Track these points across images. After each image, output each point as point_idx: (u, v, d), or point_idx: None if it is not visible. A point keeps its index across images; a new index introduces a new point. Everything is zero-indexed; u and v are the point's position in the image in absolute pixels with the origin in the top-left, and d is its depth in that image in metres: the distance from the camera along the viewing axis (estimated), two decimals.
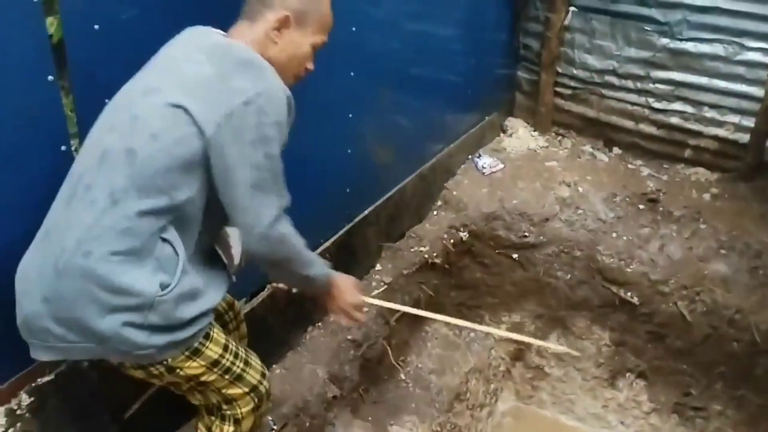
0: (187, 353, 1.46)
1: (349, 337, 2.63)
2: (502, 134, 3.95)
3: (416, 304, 3.10)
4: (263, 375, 1.67)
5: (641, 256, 3.08)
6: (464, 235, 3.34)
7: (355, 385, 2.59)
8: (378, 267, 2.97)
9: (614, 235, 3.16)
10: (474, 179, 3.51)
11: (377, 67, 2.61)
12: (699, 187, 3.29)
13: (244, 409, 1.64)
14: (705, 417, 3.30)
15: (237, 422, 1.65)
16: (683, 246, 3.03)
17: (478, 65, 3.50)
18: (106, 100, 1.45)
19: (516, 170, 3.55)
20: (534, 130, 3.94)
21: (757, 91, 3.16)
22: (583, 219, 3.24)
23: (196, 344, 1.47)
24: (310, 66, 1.58)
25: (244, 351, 1.65)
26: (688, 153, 3.50)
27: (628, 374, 3.39)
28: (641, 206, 3.18)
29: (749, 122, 3.22)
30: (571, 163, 3.57)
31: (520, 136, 3.90)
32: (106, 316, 1.31)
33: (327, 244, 2.60)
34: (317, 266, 1.63)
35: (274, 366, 2.38)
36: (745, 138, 3.26)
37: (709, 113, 3.34)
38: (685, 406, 3.30)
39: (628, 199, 3.22)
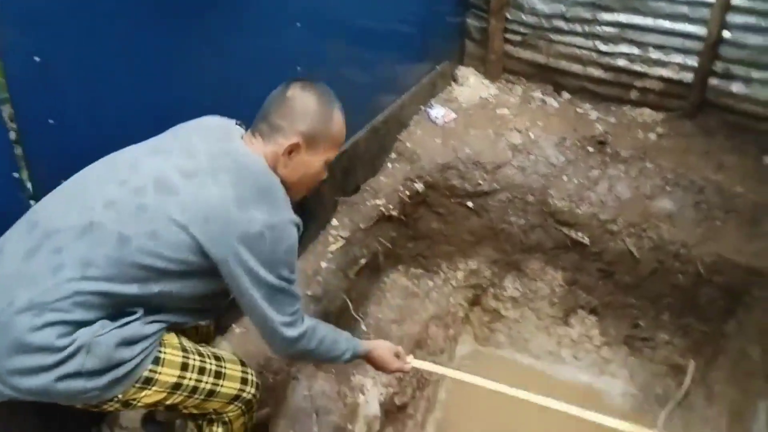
0: (137, 385, 1.35)
1: (308, 292, 2.63)
2: (453, 84, 3.93)
3: (374, 258, 3.14)
4: (245, 380, 1.55)
5: (591, 197, 3.17)
6: (419, 186, 3.36)
7: None
8: (334, 222, 2.95)
9: (565, 178, 3.22)
10: (427, 130, 3.50)
11: (324, 18, 2.53)
12: (645, 127, 3.37)
13: (231, 415, 1.57)
14: (653, 347, 3.48)
15: (226, 424, 1.59)
16: (630, 185, 3.13)
17: (427, 14, 3.44)
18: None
19: (468, 119, 3.56)
20: (485, 78, 3.93)
21: (701, 30, 3.22)
22: (535, 164, 3.29)
23: (144, 373, 1.35)
24: (323, 177, 1.61)
25: (213, 361, 1.50)
26: (634, 95, 3.56)
27: (580, 311, 3.53)
28: (590, 149, 3.24)
29: (693, 62, 3.29)
30: (522, 110, 3.59)
31: (472, 85, 3.89)
32: (39, 374, 1.24)
33: None
34: (344, 353, 1.66)
35: (234, 325, 2.37)
36: (689, 77, 3.34)
37: (655, 54, 3.40)
38: (634, 338, 3.48)
39: (577, 142, 3.28)
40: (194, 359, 1.45)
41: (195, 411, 1.54)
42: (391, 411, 2.86)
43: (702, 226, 2.97)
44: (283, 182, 1.45)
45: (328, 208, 2.98)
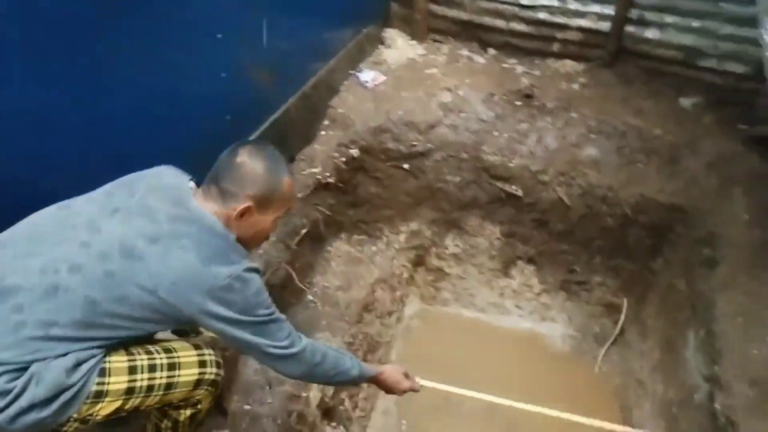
0: (88, 401, 1.38)
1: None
2: (381, 46, 3.90)
3: (315, 226, 3.12)
4: (203, 363, 1.54)
5: (521, 150, 3.25)
6: (355, 151, 3.34)
7: None
8: None
9: (495, 133, 3.29)
10: (358, 94, 3.48)
11: None
12: (568, 78, 3.48)
13: (199, 396, 1.56)
14: (588, 289, 3.66)
15: (195, 405, 1.58)
16: (557, 136, 3.23)
17: None
18: None
19: (398, 81, 3.55)
20: (412, 39, 3.93)
21: None
22: (466, 122, 3.34)
23: (93, 388, 1.37)
24: (274, 230, 1.68)
25: (164, 355, 1.50)
26: (556, 47, 3.66)
27: (518, 262, 3.65)
28: (518, 103, 3.32)
29: (609, 10, 3.40)
30: (451, 68, 3.61)
31: (399, 47, 3.88)
32: None
33: None
34: (352, 369, 1.75)
35: None
36: (606, 26, 3.45)
37: (573, 5, 3.48)
38: (571, 282, 3.64)
39: (505, 97, 3.34)
40: (141, 359, 1.45)
41: (160, 405, 1.53)
42: None
43: (625, 170, 3.12)
44: (237, 238, 1.52)
45: None
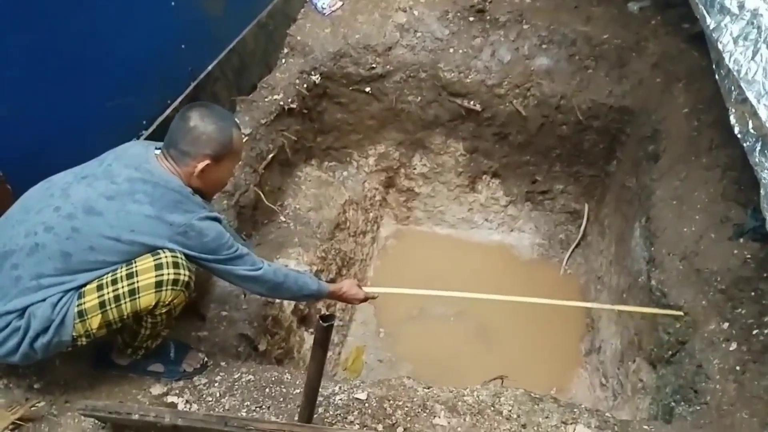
0: (77, 321, 1.63)
1: None
2: None
3: (282, 151, 3.24)
4: (158, 266, 1.64)
5: (477, 65, 3.35)
6: (316, 78, 3.43)
7: (235, 230, 2.75)
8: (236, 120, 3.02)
9: (451, 50, 3.37)
10: (316, 21, 3.53)
11: None
12: None
13: (168, 299, 1.69)
14: (551, 198, 3.83)
15: (167, 305, 1.71)
16: (511, 48, 3.31)
17: None
18: None
19: (354, 5, 3.59)
20: None
21: None
22: (423, 41, 3.41)
23: (75, 310, 1.62)
24: (231, 177, 1.99)
25: (124, 268, 1.64)
26: None
27: (484, 176, 3.81)
28: (471, 18, 3.38)
29: None
30: None
31: None
32: (18, 348, 1.63)
33: (175, 104, 2.60)
34: (312, 284, 2.01)
35: None
36: None
37: None
38: (535, 192, 3.82)
39: (459, 13, 3.40)
40: (106, 277, 1.65)
41: (139, 316, 1.71)
42: None
43: (576, 77, 3.23)
44: (200, 191, 1.77)
45: (227, 109, 3.02)
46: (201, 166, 1.72)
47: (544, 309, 2.73)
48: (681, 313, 2.19)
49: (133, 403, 1.76)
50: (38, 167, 1.81)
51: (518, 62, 3.30)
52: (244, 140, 2.91)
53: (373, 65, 3.44)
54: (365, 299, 2.33)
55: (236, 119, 3.01)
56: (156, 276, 1.64)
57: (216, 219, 1.77)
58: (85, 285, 1.63)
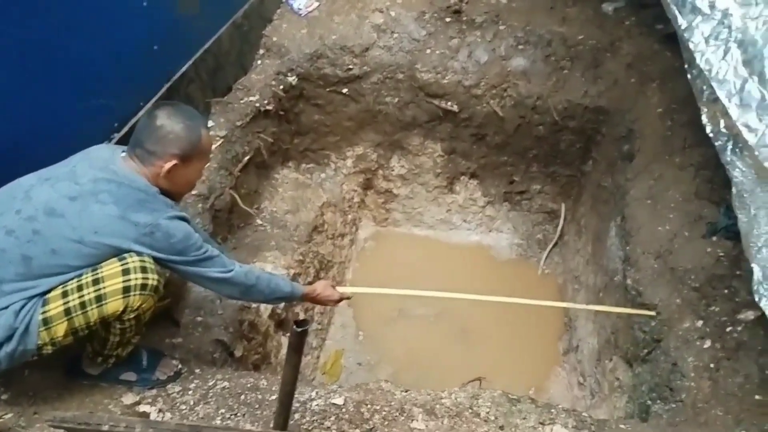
0: (42, 329, 1.58)
1: (194, 192, 2.69)
2: None
3: (258, 154, 3.21)
4: (125, 271, 1.60)
5: (454, 66, 3.35)
6: (293, 79, 3.40)
7: (210, 234, 2.70)
8: (210, 123, 2.98)
9: (428, 51, 3.37)
10: (292, 22, 3.51)
11: None
12: None
13: (137, 304, 1.64)
14: (529, 198, 3.85)
15: (136, 310, 1.67)
16: (487, 49, 3.32)
17: None
18: None
19: (331, 6, 3.57)
20: None
21: None
22: (399, 42, 3.40)
23: (39, 318, 1.57)
24: (200, 178, 1.90)
25: (90, 273, 1.60)
26: None
27: (462, 177, 3.81)
28: (448, 19, 3.38)
29: None
30: None
31: None
32: None
33: (147, 106, 2.55)
34: (285, 286, 1.98)
35: None
36: None
37: None
38: (512, 193, 3.83)
39: (435, 15, 3.39)
40: (71, 284, 1.60)
41: (108, 322, 1.67)
42: None
43: (552, 78, 3.24)
44: (167, 192, 1.72)
45: (202, 111, 2.99)
46: (168, 166, 1.68)
47: (522, 309, 2.73)
48: (653, 313, 2.20)
49: (103, 414, 1.72)
50: (7, 169, 1.76)
51: (495, 63, 3.31)
52: (218, 143, 2.89)
53: (350, 66, 3.42)
54: (340, 300, 2.29)
55: (210, 121, 3.02)
56: (123, 281, 1.60)
57: (184, 219, 1.72)
58: (49, 291, 1.58)
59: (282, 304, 2.87)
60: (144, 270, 1.63)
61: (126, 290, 1.61)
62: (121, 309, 1.62)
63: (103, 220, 1.59)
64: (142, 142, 1.69)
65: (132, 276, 1.61)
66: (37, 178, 1.67)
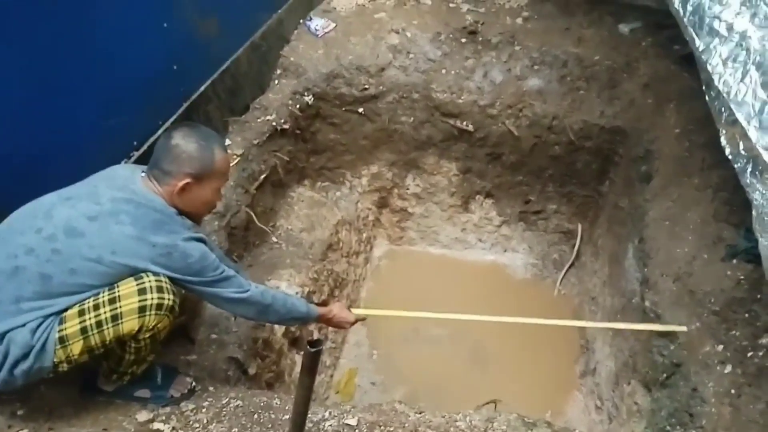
0: (58, 347, 1.60)
1: None
2: None
3: (274, 172, 3.24)
4: (142, 290, 1.61)
5: (469, 86, 3.36)
6: (309, 98, 3.44)
7: (225, 252, 2.72)
8: (228, 142, 3.01)
9: (444, 71, 3.39)
10: (309, 42, 3.55)
11: None
12: (512, 13, 3.55)
13: (152, 324, 1.65)
14: (545, 218, 3.83)
15: (151, 329, 1.67)
16: (503, 69, 3.33)
17: None
18: None
19: (347, 27, 3.62)
20: None
21: None
22: (415, 62, 3.43)
23: (56, 336, 1.59)
24: (219, 200, 1.89)
25: (107, 293, 1.61)
26: None
27: (477, 196, 3.81)
28: (463, 40, 3.40)
29: None
30: (398, 12, 3.68)
31: None
32: None
33: (166, 125, 2.59)
34: (301, 306, 1.99)
35: None
36: None
37: None
38: (528, 212, 3.81)
39: (451, 35, 3.42)
40: (88, 302, 1.61)
41: (124, 340, 1.68)
42: None
43: (568, 98, 3.24)
44: (184, 212, 1.75)
45: (219, 130, 3.02)
46: (181, 184, 1.70)
47: (539, 330, 2.70)
48: (684, 328, 2.15)
49: (117, 431, 1.72)
50: (28, 187, 1.78)
51: (510, 83, 3.32)
52: (235, 161, 2.91)
53: (366, 86, 3.45)
54: (355, 322, 2.30)
55: (227, 139, 3.05)
56: (139, 301, 1.61)
57: (201, 240, 1.74)
58: (66, 309, 1.60)
59: None
60: (160, 290, 1.64)
61: (142, 310, 1.61)
62: (136, 328, 1.63)
63: (121, 240, 1.61)
64: (158, 162, 1.73)
65: (148, 296, 1.62)
66: (58, 197, 1.69)
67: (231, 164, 2.90)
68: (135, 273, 1.63)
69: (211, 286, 1.74)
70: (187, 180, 1.71)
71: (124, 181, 1.72)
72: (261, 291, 1.86)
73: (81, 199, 1.66)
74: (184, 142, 1.72)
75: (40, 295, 1.58)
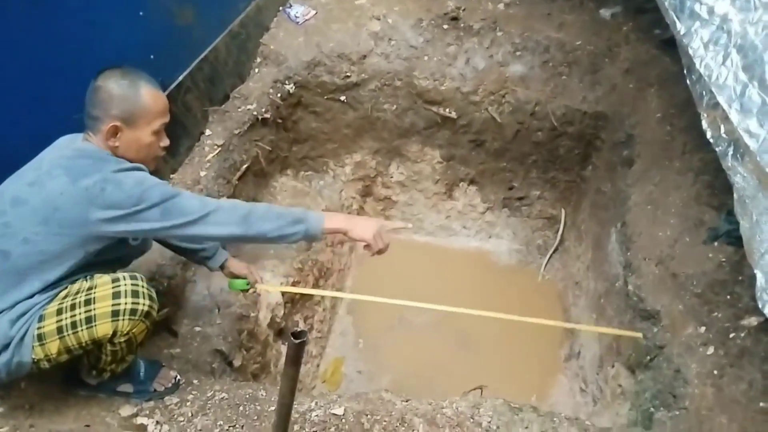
0: (36, 344, 1.56)
1: None
2: None
3: (256, 162, 3.20)
4: (116, 294, 1.58)
5: (452, 72, 3.34)
6: (290, 87, 3.40)
7: None
8: (208, 132, 2.97)
9: (426, 58, 3.36)
10: (289, 30, 3.50)
11: None
12: None
13: (126, 329, 1.62)
14: (528, 204, 3.84)
15: (126, 334, 1.65)
16: (485, 56, 3.31)
17: None
18: None
19: (328, 14, 3.57)
20: None
21: None
22: (397, 49, 3.40)
23: (35, 332, 1.56)
24: (163, 144, 1.76)
25: (84, 293, 1.59)
26: None
27: (461, 184, 3.80)
28: (445, 26, 3.38)
29: None
30: None
31: None
32: None
33: None
34: (297, 213, 1.76)
35: None
36: None
37: None
38: (512, 199, 3.81)
39: (433, 21, 3.39)
40: (65, 301, 1.58)
41: (98, 344, 1.64)
42: (296, 298, 3.05)
43: (550, 83, 3.24)
44: (127, 159, 1.66)
45: (199, 120, 2.98)
46: (107, 128, 1.63)
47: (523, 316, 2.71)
48: (640, 335, 2.19)
49: (99, 427, 1.70)
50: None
51: (493, 69, 3.31)
52: (215, 151, 2.88)
53: (348, 74, 3.41)
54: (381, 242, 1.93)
55: (208, 130, 3.00)
56: (113, 305, 1.58)
57: (138, 168, 1.64)
58: (43, 291, 1.58)
59: (281, 312, 2.85)
60: (135, 294, 1.61)
61: (115, 314, 1.58)
62: (110, 332, 1.59)
63: (58, 194, 1.54)
64: (86, 110, 1.66)
65: (122, 300, 1.59)
66: (14, 175, 1.67)
67: (212, 155, 2.88)
68: (88, 226, 1.55)
69: (166, 214, 1.58)
70: (115, 123, 1.63)
71: (67, 142, 1.69)
72: (232, 203, 1.72)
73: (26, 171, 1.64)
74: (106, 84, 1.63)
75: (7, 275, 1.55)
